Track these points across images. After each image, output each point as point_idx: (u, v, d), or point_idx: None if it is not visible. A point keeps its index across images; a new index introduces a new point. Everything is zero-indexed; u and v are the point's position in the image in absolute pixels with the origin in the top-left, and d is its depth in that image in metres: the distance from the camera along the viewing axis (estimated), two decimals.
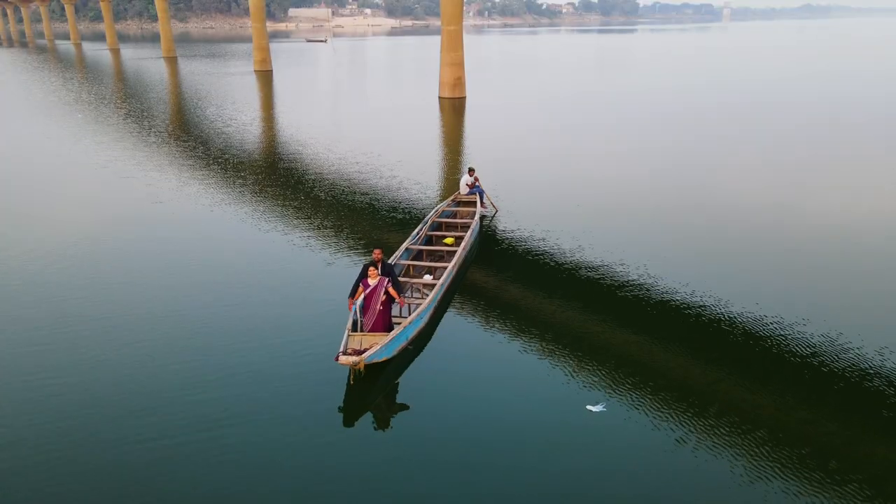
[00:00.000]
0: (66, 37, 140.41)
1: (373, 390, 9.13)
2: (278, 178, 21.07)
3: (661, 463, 7.72)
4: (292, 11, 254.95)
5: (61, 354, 10.09)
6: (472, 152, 25.60)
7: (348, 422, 8.56)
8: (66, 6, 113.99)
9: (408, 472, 7.57)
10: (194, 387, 9.14)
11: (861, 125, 31.15)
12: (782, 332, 10.69)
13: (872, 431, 8.41)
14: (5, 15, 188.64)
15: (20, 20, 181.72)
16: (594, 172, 22.26)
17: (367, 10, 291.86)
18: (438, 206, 16.38)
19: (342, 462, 7.72)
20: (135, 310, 11.54)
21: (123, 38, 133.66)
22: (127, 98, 42.06)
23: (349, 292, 10.14)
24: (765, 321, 11.08)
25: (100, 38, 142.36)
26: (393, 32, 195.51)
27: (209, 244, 15.21)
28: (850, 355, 10.00)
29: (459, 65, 40.54)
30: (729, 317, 11.29)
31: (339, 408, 8.73)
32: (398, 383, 9.40)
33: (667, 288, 12.40)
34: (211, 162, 23.07)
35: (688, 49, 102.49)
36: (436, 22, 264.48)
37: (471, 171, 17.13)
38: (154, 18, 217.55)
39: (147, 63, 71.65)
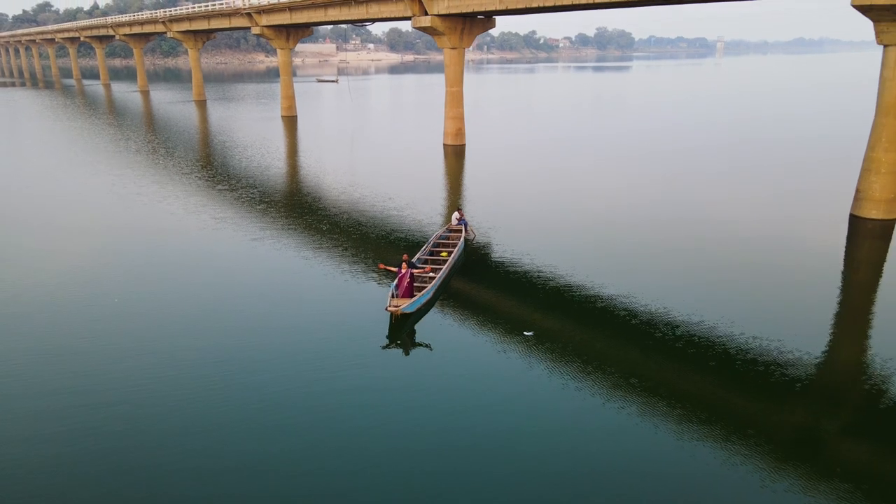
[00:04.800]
0: (89, 75, 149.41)
1: (403, 327, 17.59)
2: (318, 217, 28.81)
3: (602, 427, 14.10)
4: (299, 47, 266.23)
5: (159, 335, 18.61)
6: (470, 192, 33.90)
7: (390, 344, 16.86)
8: (97, 49, 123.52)
9: (418, 372, 15.81)
10: (297, 327, 17.61)
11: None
12: (743, 331, 17.01)
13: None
14: (29, 50, 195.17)
15: (43, 55, 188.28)
16: (570, 210, 30.26)
17: (371, 46, 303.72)
18: (437, 231, 24.99)
19: (385, 363, 15.94)
20: (230, 300, 20.09)
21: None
22: (181, 147, 48.77)
23: (385, 263, 19.54)
24: (720, 320, 17.62)
25: (116, 75, 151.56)
26: (395, 70, 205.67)
27: (289, 261, 23.49)
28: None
29: (461, 118, 49.55)
30: (679, 314, 19.16)
31: (385, 336, 17.14)
32: (416, 329, 17.77)
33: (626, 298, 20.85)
34: (272, 204, 31.09)
35: (679, 91, 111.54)
36: (436, 56, 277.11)
37: (459, 209, 25.74)
38: (165, 54, 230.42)
39: (181, 107, 78.96)
